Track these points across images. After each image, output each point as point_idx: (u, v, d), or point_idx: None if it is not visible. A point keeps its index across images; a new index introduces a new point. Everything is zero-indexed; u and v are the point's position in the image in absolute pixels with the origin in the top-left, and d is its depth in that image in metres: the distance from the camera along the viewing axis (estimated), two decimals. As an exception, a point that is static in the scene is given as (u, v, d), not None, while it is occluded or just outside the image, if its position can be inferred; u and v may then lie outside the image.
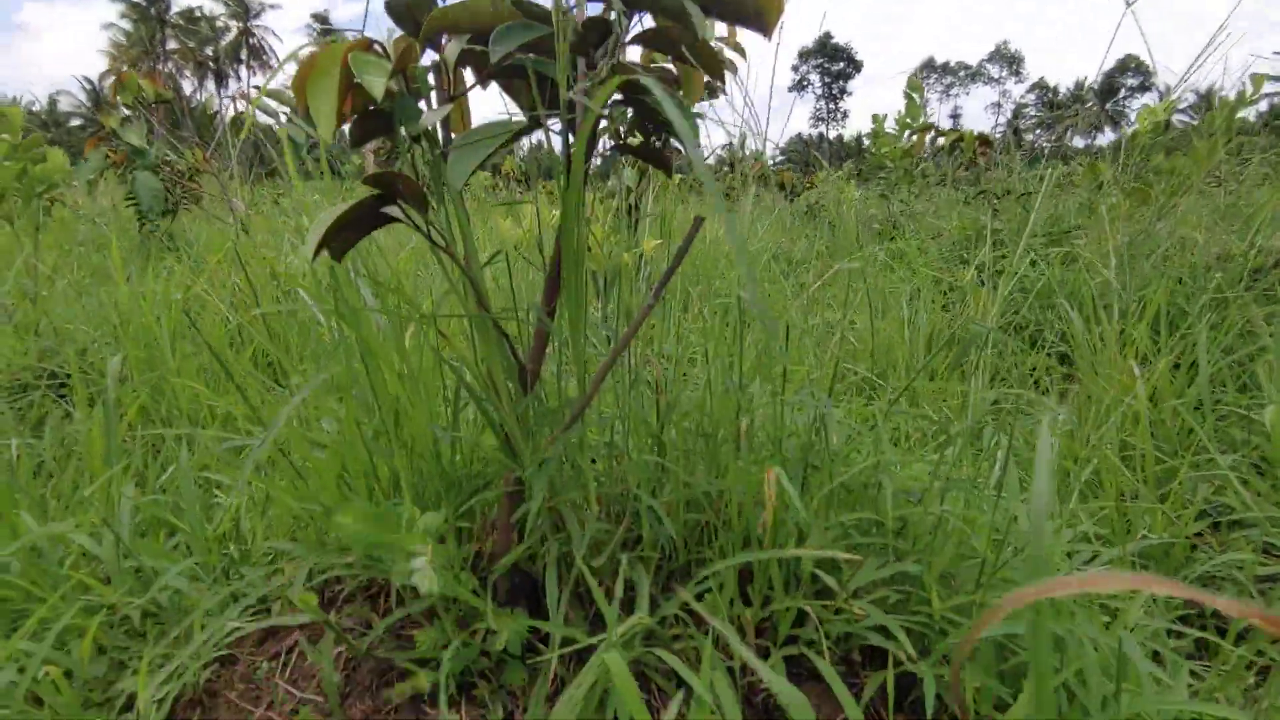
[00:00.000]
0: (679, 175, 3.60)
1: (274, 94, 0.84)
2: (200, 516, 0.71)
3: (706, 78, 1.45)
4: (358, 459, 0.64)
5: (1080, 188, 2.35)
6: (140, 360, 1.41)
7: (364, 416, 0.64)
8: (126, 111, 2.58)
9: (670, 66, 0.71)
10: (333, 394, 0.70)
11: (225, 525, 0.73)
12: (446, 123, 0.61)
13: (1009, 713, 0.46)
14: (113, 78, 2.40)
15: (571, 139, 0.54)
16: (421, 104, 0.55)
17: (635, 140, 0.60)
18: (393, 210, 0.47)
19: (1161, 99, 2.27)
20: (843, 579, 0.53)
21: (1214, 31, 1.06)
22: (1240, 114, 1.70)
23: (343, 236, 0.47)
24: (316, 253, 0.42)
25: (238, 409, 0.78)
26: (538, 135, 0.56)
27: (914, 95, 3.55)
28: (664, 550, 0.62)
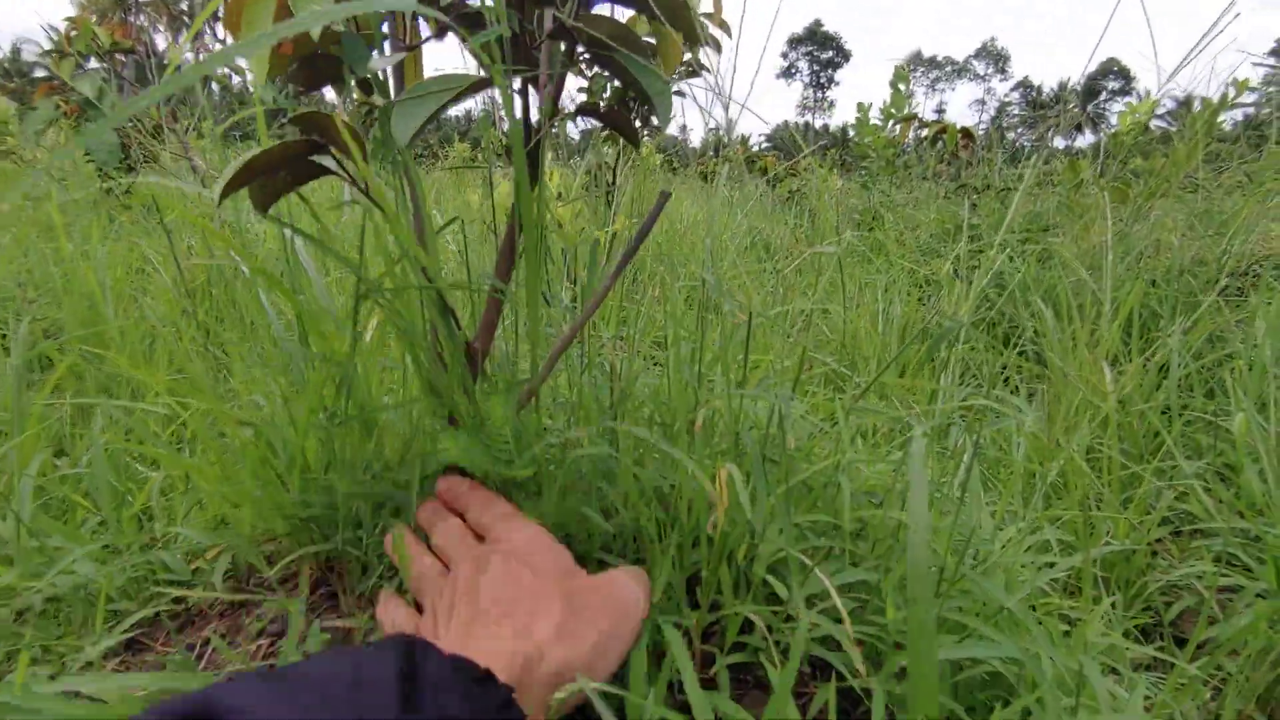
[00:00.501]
0: (660, 156, 3.54)
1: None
2: (115, 493, 0.66)
3: (687, 55, 1.39)
4: (288, 438, 0.59)
5: (1059, 186, 2.35)
6: (84, 320, 1.34)
7: (294, 393, 0.59)
8: (96, 63, 2.45)
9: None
10: (265, 367, 0.65)
11: (140, 503, 0.68)
12: (401, 78, 0.56)
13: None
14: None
15: (527, 97, 0.49)
16: (376, 55, 0.50)
17: (602, 103, 0.55)
18: (326, 161, 0.42)
19: (1140, 101, 2.27)
20: (794, 585, 0.50)
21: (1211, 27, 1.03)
22: (1221, 118, 1.69)
23: (266, 185, 0.42)
24: (223, 196, 0.37)
25: (160, 383, 0.72)
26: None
27: (899, 85, 3.53)
28: (609, 548, 0.58)
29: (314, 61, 0.50)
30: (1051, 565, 0.72)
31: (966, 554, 0.57)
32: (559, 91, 0.51)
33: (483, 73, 0.45)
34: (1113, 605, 0.77)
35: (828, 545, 0.57)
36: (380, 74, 0.54)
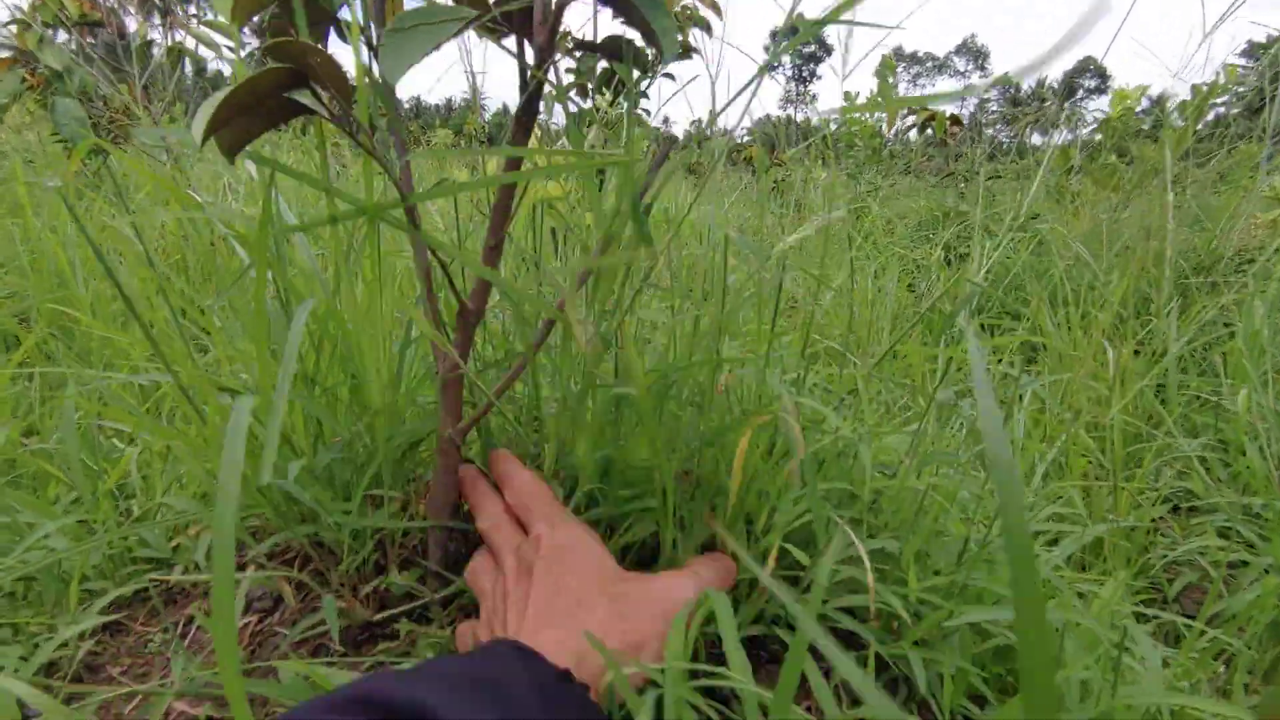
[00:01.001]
0: (647, 144, 3.50)
1: (213, 24, 0.74)
2: (88, 468, 0.62)
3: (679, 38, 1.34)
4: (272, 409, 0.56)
5: (1049, 174, 2.35)
6: (47, 292, 1.29)
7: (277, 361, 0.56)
8: (68, 44, 2.35)
9: None
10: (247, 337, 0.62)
11: (116, 478, 0.64)
12: (383, 22, 0.52)
13: (1000, 711, 0.42)
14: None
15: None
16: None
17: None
18: (304, 98, 0.39)
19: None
20: (813, 554, 0.48)
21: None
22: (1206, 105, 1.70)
23: (238, 125, 0.38)
24: (206, 137, 0.34)
25: (136, 351, 0.68)
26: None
27: (886, 76, 3.52)
28: (612, 527, 0.55)
29: (289, 6, 0.47)
30: (1059, 540, 0.71)
31: (978, 524, 0.56)
32: (555, 31, 0.48)
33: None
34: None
35: (845, 515, 0.55)
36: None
